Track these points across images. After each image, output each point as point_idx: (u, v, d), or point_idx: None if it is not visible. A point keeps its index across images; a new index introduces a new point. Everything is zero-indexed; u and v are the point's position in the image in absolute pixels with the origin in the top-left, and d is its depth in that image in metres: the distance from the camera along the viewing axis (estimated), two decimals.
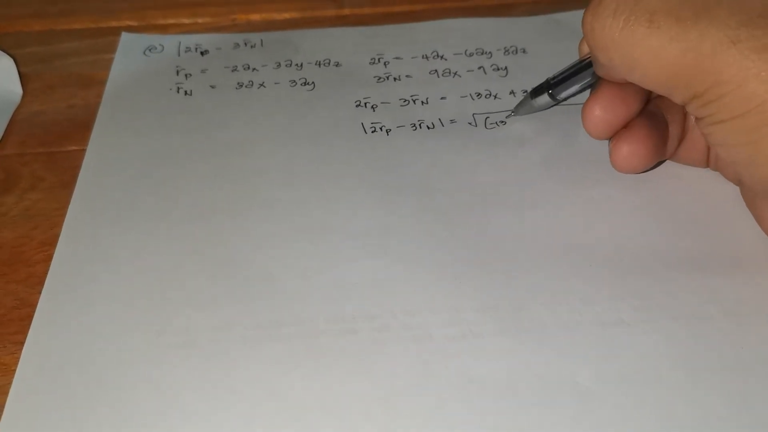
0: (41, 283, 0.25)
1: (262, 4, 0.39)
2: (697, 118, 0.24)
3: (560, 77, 0.29)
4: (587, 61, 0.27)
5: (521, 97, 0.32)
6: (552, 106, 0.30)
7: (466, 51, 0.35)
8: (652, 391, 0.21)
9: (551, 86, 0.29)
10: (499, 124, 0.31)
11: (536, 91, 0.30)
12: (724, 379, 0.21)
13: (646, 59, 0.23)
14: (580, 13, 0.36)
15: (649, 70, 0.23)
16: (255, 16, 0.39)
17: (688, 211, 0.27)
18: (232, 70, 0.34)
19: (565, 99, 0.29)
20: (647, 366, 0.22)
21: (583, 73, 0.28)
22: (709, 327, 0.23)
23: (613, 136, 0.26)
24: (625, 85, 0.25)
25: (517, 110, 0.31)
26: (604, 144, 0.29)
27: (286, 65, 0.35)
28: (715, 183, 0.28)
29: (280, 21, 0.38)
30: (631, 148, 0.26)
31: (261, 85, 0.34)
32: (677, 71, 0.22)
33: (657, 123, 0.26)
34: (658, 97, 0.27)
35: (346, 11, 0.39)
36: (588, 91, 0.28)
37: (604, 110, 0.26)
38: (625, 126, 0.26)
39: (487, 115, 0.31)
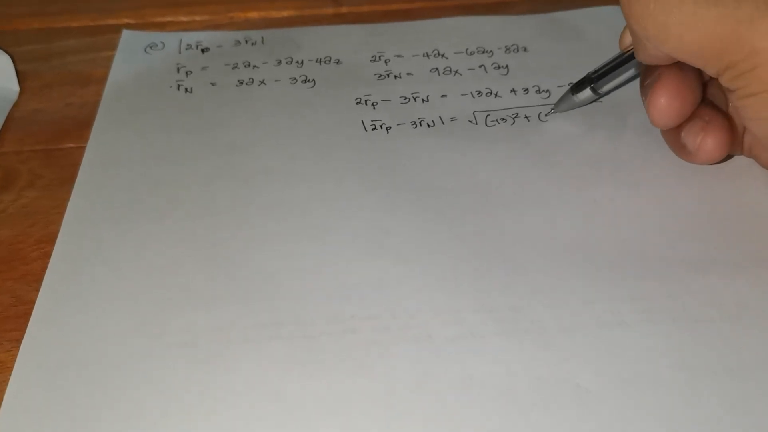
0: (38, 280, 0.25)
1: (259, 2, 0.39)
2: (729, 91, 0.23)
3: (602, 71, 0.29)
4: (629, 53, 0.27)
5: (526, 95, 0.32)
6: (594, 101, 0.30)
7: (467, 50, 0.35)
8: (653, 393, 0.21)
9: (593, 80, 0.29)
10: (499, 122, 0.31)
11: (577, 87, 0.30)
12: (724, 381, 0.21)
13: (681, 26, 0.22)
14: (580, 12, 0.37)
15: (684, 38, 0.22)
16: (253, 14, 0.39)
17: (689, 213, 0.26)
18: (233, 68, 0.34)
19: (608, 93, 0.30)
20: (648, 368, 0.22)
21: (625, 65, 0.28)
22: (710, 329, 0.23)
23: (693, 130, 0.26)
24: (686, 71, 0.25)
25: (558, 107, 0.31)
26: (604, 144, 0.29)
27: (286, 62, 0.35)
28: (716, 185, 0.27)
29: (277, 19, 0.38)
30: (716, 140, 0.26)
31: (261, 82, 0.33)
32: (712, 39, 0.22)
33: (722, 110, 0.26)
34: (707, 85, 0.27)
35: (344, 9, 0.39)
36: (629, 86, 0.28)
37: (672, 98, 0.25)
38: (699, 117, 0.26)
39: (487, 113, 0.31)
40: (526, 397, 0.21)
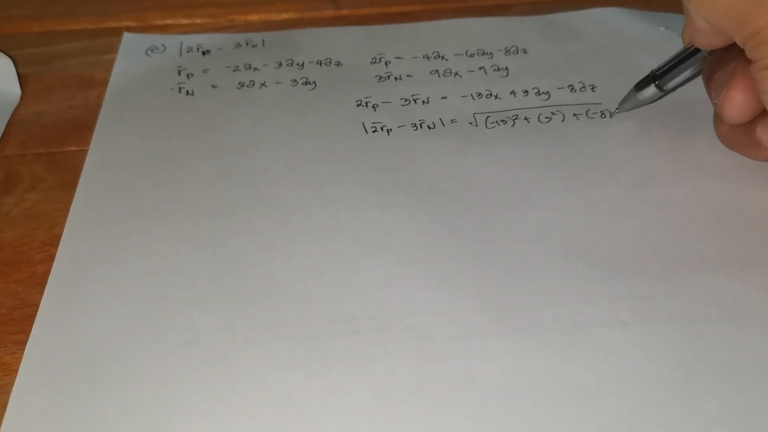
0: (42, 283, 0.25)
1: (260, 4, 0.39)
2: (751, 64, 0.23)
3: (666, 67, 0.29)
4: (692, 49, 0.28)
5: (524, 96, 0.32)
6: (658, 98, 0.30)
7: (467, 51, 0.35)
8: (651, 392, 0.21)
9: (657, 77, 0.29)
10: (499, 123, 0.31)
11: (641, 85, 0.30)
12: (722, 380, 0.21)
13: None
14: (579, 13, 0.37)
15: (716, 1, 0.23)
16: (253, 17, 0.39)
17: (687, 212, 0.27)
18: (234, 70, 0.34)
19: (673, 89, 0.30)
20: (646, 367, 0.22)
21: (689, 60, 0.28)
22: (708, 328, 0.23)
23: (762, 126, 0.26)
24: None
25: (623, 106, 0.31)
26: (603, 145, 0.29)
27: (287, 65, 0.35)
28: (714, 184, 0.28)
29: (278, 21, 0.38)
30: None
31: (262, 84, 0.34)
32: (738, 2, 0.22)
33: None
34: None
35: (344, 12, 0.39)
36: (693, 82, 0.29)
37: (748, 93, 0.25)
38: None
39: (487, 115, 0.31)
40: (526, 396, 0.21)
